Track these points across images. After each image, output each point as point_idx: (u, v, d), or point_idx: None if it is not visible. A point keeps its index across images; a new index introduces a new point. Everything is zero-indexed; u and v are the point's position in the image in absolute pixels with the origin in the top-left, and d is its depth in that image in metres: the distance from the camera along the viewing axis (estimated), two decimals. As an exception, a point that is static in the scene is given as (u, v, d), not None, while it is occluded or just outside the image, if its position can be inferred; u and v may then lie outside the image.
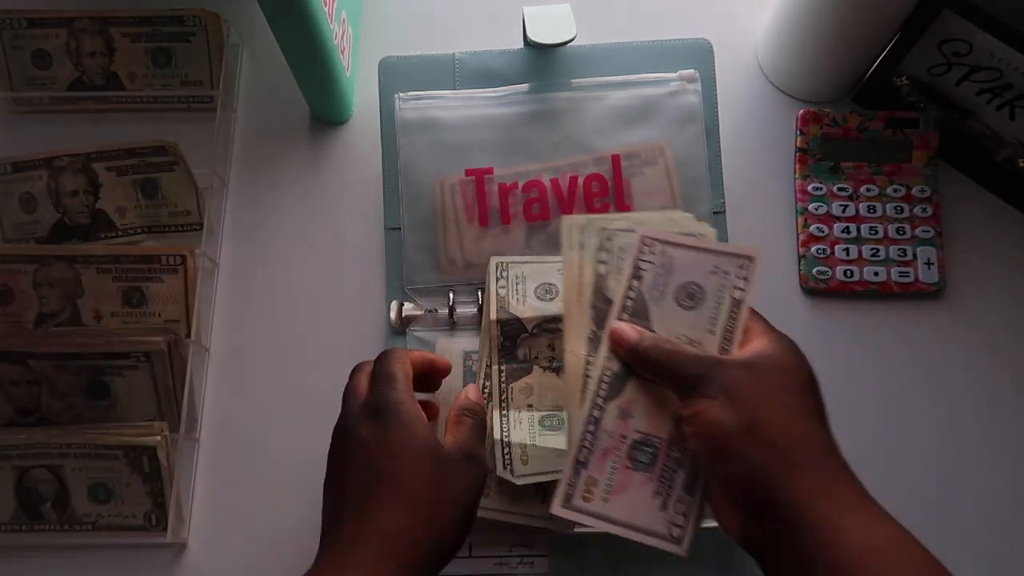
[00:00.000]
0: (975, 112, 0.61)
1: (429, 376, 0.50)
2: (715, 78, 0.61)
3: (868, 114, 0.63)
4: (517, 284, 0.54)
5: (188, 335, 0.59)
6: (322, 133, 0.67)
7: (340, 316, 0.62)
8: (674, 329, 0.44)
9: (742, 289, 0.44)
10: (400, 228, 0.60)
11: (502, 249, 0.59)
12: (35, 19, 0.65)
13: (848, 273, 0.61)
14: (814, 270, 0.61)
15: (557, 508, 0.43)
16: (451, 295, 0.58)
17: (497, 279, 0.54)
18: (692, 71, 0.60)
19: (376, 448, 0.43)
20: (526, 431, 0.51)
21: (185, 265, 0.60)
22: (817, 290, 0.61)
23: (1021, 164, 0.61)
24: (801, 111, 0.64)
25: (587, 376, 0.44)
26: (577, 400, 0.44)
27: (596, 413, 0.44)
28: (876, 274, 0.61)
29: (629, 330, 0.44)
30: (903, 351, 0.61)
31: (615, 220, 0.47)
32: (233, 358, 0.61)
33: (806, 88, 0.66)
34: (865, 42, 0.60)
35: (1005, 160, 0.62)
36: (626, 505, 0.43)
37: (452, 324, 0.58)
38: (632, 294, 0.45)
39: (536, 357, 0.53)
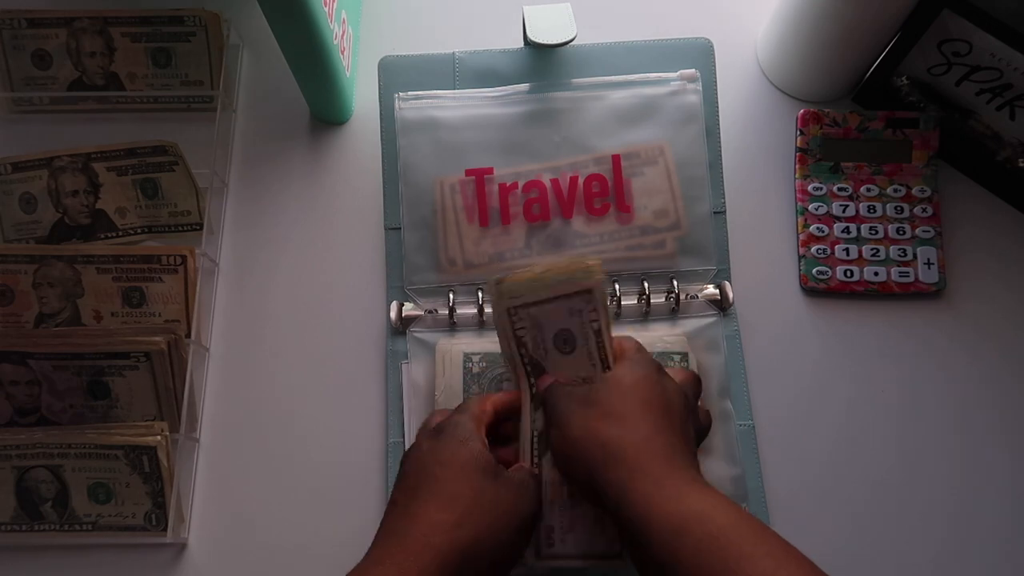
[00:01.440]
0: (975, 112, 0.61)
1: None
2: (715, 78, 0.61)
3: (868, 114, 0.63)
4: (535, 331, 0.50)
5: (188, 335, 0.59)
6: (322, 133, 0.67)
7: (340, 316, 0.62)
8: (568, 374, 0.49)
9: (596, 320, 0.49)
10: (400, 228, 0.60)
11: (502, 249, 0.59)
12: (35, 19, 0.65)
13: (848, 273, 0.61)
14: (814, 270, 0.61)
15: (531, 559, 0.48)
16: (451, 295, 0.58)
17: (513, 321, 0.50)
18: (692, 71, 0.60)
19: (429, 457, 0.46)
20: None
21: (185, 265, 0.60)
22: (817, 290, 0.61)
23: (1021, 164, 0.61)
24: (801, 111, 0.64)
25: (530, 445, 0.49)
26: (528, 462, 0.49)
27: (536, 470, 0.48)
28: (876, 274, 0.61)
29: (547, 379, 0.49)
30: (903, 351, 0.61)
31: (518, 286, 0.49)
32: (233, 358, 0.61)
33: (806, 88, 0.66)
34: (865, 42, 0.60)
35: (1005, 160, 0.62)
36: (581, 539, 0.48)
37: (452, 324, 0.58)
38: (526, 360, 0.50)
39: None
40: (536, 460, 0.49)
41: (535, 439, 0.49)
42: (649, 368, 0.47)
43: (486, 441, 0.47)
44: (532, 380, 0.50)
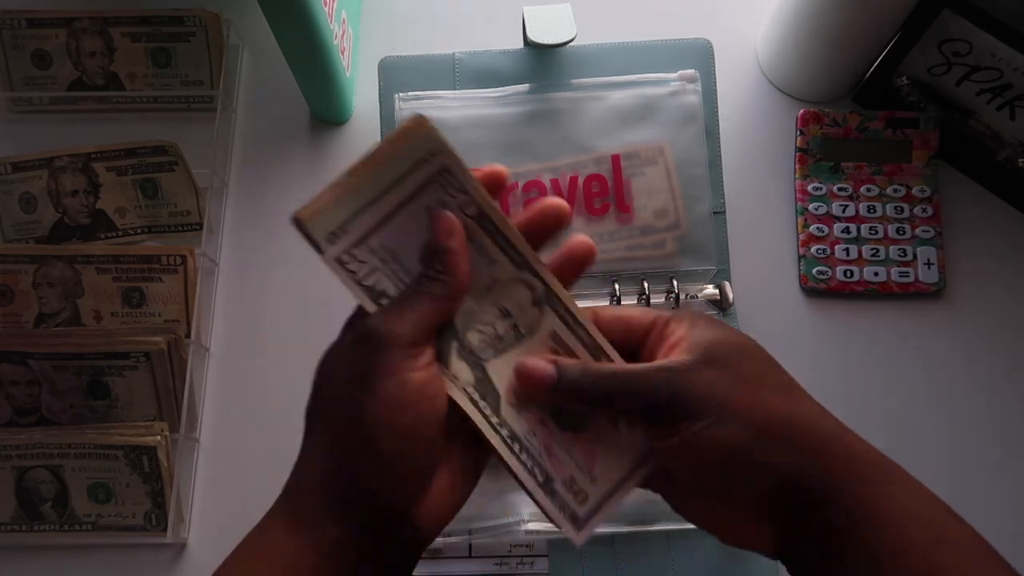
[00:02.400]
0: (975, 112, 0.61)
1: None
2: (715, 78, 0.61)
3: (868, 114, 0.63)
4: (390, 266, 0.36)
5: (188, 335, 0.59)
6: (322, 133, 0.67)
7: (340, 316, 0.61)
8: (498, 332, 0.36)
9: (468, 201, 0.35)
10: (400, 228, 0.60)
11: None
12: (35, 19, 0.65)
13: (848, 273, 0.61)
14: (814, 270, 0.61)
15: (581, 537, 0.36)
16: (451, 295, 0.58)
17: (353, 272, 0.36)
18: (692, 71, 0.60)
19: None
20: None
21: (185, 265, 0.60)
22: (817, 290, 0.61)
23: (1021, 164, 0.61)
24: (801, 111, 0.64)
25: (476, 407, 0.35)
26: (491, 441, 0.35)
27: (503, 431, 0.36)
28: (876, 274, 0.61)
29: (540, 365, 0.35)
30: (903, 351, 0.61)
31: (326, 213, 0.35)
32: (233, 358, 0.61)
33: (806, 88, 0.66)
34: (865, 42, 0.60)
35: (1005, 160, 0.62)
36: (612, 463, 0.37)
37: (452, 324, 0.58)
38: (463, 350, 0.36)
39: (499, 338, 0.37)
40: (494, 419, 0.35)
41: (475, 397, 0.35)
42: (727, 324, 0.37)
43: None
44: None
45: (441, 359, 0.35)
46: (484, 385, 0.36)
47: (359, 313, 0.37)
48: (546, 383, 0.34)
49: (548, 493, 0.36)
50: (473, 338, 0.36)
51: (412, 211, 0.35)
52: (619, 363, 0.36)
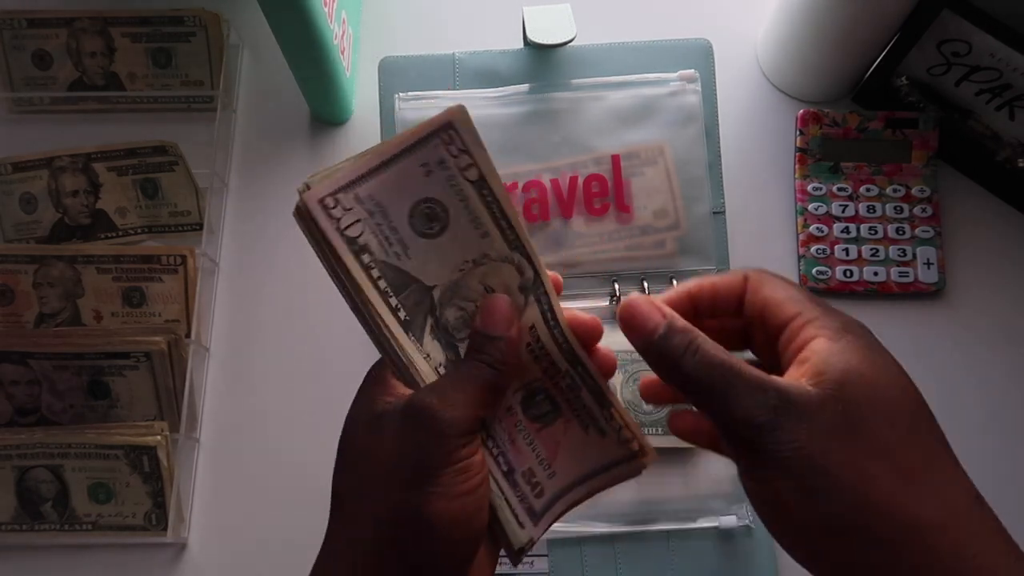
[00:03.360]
0: (975, 112, 0.61)
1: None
2: (715, 78, 0.61)
3: (868, 114, 0.63)
4: (379, 226, 0.33)
5: (188, 335, 0.59)
6: (322, 133, 0.67)
7: (341, 316, 0.61)
8: (449, 262, 0.33)
9: (471, 165, 0.32)
10: (400, 228, 0.60)
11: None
12: (35, 19, 0.65)
13: (848, 273, 0.61)
14: (814, 270, 0.61)
15: (536, 532, 0.35)
16: (451, 295, 0.58)
17: (334, 218, 0.32)
18: (692, 71, 0.60)
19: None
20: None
21: (185, 265, 0.60)
22: (817, 290, 0.61)
23: (1021, 164, 0.61)
24: (801, 111, 0.64)
25: (436, 369, 0.34)
26: None
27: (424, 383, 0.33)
28: (876, 274, 0.61)
29: (649, 310, 0.31)
30: (903, 351, 0.60)
31: (336, 175, 0.32)
32: (233, 358, 0.61)
33: (806, 88, 0.66)
34: (865, 42, 0.60)
35: (1005, 160, 0.62)
36: (573, 460, 0.35)
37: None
38: (376, 272, 0.32)
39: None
40: (439, 371, 0.33)
41: (438, 370, 0.33)
42: (886, 350, 0.30)
43: (376, 382, 0.34)
44: (395, 302, 0.33)
45: (413, 332, 0.33)
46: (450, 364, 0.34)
47: (380, 369, 0.35)
48: (648, 332, 0.30)
49: (511, 484, 0.34)
50: (450, 314, 0.34)
51: (406, 166, 0.32)
52: (601, 382, 0.34)
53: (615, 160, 0.59)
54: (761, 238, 0.63)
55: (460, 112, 0.32)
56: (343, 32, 0.62)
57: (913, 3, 0.55)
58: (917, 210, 0.62)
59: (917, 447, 0.28)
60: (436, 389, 0.32)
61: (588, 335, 0.35)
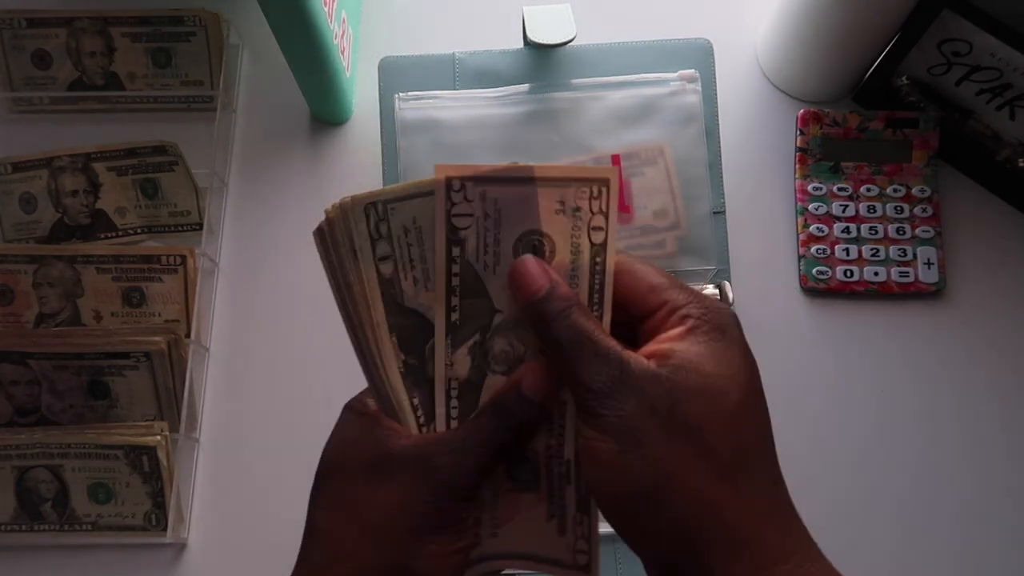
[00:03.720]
0: (975, 112, 0.61)
1: None
2: (715, 78, 0.61)
3: (868, 114, 0.63)
4: (410, 247, 0.32)
5: (188, 335, 0.59)
6: (322, 133, 0.67)
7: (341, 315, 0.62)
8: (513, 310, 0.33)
9: (601, 225, 0.32)
10: (400, 228, 0.60)
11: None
12: (35, 19, 0.65)
13: (848, 273, 0.61)
14: (814, 270, 0.61)
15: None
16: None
17: (373, 238, 0.32)
18: (692, 71, 0.60)
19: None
20: None
21: (185, 265, 0.60)
22: (817, 290, 0.61)
23: (1021, 164, 0.61)
24: (801, 111, 0.64)
25: (418, 417, 0.33)
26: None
27: (447, 429, 0.33)
28: (876, 274, 0.61)
29: (537, 272, 0.31)
30: (903, 351, 0.61)
31: (386, 191, 0.32)
32: (233, 358, 0.61)
33: (806, 88, 0.66)
34: (865, 42, 0.60)
35: (1005, 160, 0.62)
36: (520, 535, 0.34)
37: (452, 324, 0.58)
38: (456, 268, 0.32)
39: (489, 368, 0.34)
40: (453, 414, 0.33)
41: (451, 388, 0.33)
42: (745, 348, 0.31)
43: (378, 423, 0.33)
44: (456, 302, 0.33)
45: (454, 339, 0.32)
46: (469, 391, 0.33)
47: (365, 402, 0.34)
48: (531, 293, 0.31)
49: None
50: (498, 344, 0.33)
51: (545, 192, 0.31)
52: (606, 339, 0.32)
53: (615, 160, 0.59)
54: (761, 238, 0.63)
55: (615, 175, 0.32)
56: (343, 32, 0.62)
57: (913, 3, 0.55)
58: (917, 210, 0.62)
59: (732, 436, 0.29)
60: (453, 446, 0.31)
61: None
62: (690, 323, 0.31)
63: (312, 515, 0.33)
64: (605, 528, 0.32)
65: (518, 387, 0.32)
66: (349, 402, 0.35)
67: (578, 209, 0.32)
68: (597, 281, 0.33)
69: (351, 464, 0.32)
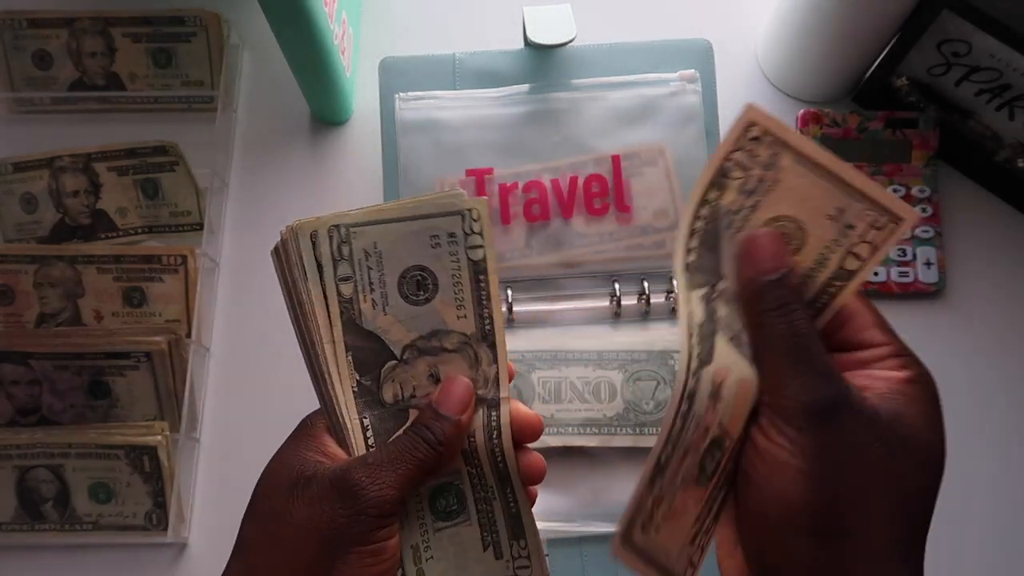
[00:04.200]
0: (975, 112, 0.61)
1: None
2: (715, 78, 0.61)
3: (868, 114, 0.63)
4: (369, 271, 0.34)
5: (188, 335, 0.59)
6: (322, 133, 0.67)
7: (340, 316, 0.62)
8: (416, 331, 0.34)
9: (481, 247, 0.33)
10: (400, 228, 0.60)
11: (502, 250, 0.59)
12: (36, 19, 0.65)
13: (848, 273, 0.61)
14: (814, 270, 0.61)
15: (618, 547, 0.33)
16: (451, 295, 0.58)
17: (335, 260, 0.33)
18: (692, 71, 0.60)
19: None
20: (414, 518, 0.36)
21: (185, 265, 0.60)
22: (817, 290, 0.61)
23: (1021, 164, 0.61)
24: (801, 111, 0.64)
25: (367, 437, 0.34)
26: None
27: (692, 384, 0.31)
28: (876, 274, 0.61)
29: (775, 252, 0.29)
30: (903, 351, 0.61)
31: (350, 214, 0.33)
32: (233, 358, 0.61)
33: (806, 88, 0.66)
34: (865, 42, 0.60)
35: (1005, 160, 0.62)
36: (452, 569, 0.35)
37: (452, 324, 0.58)
38: (344, 317, 0.33)
39: (413, 397, 0.35)
40: (368, 436, 0.34)
41: (695, 335, 0.32)
42: (943, 432, 0.31)
43: (311, 442, 0.34)
44: (359, 375, 0.34)
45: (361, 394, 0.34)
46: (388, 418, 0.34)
47: (315, 421, 0.35)
48: (762, 271, 0.29)
49: (651, 479, 0.33)
50: (387, 391, 0.34)
51: (419, 227, 0.33)
52: (524, 508, 0.35)
53: (615, 160, 0.59)
54: (761, 238, 0.63)
55: (484, 203, 0.33)
56: (343, 32, 0.62)
57: (913, 3, 0.55)
58: (917, 210, 0.62)
59: (903, 516, 0.28)
60: (368, 465, 0.32)
61: (529, 432, 0.35)
62: (912, 375, 0.29)
63: (242, 526, 0.34)
64: (607, 528, 0.32)
65: (434, 405, 0.33)
66: (305, 417, 0.36)
67: (452, 235, 0.33)
68: (484, 297, 0.33)
69: (278, 482, 0.33)
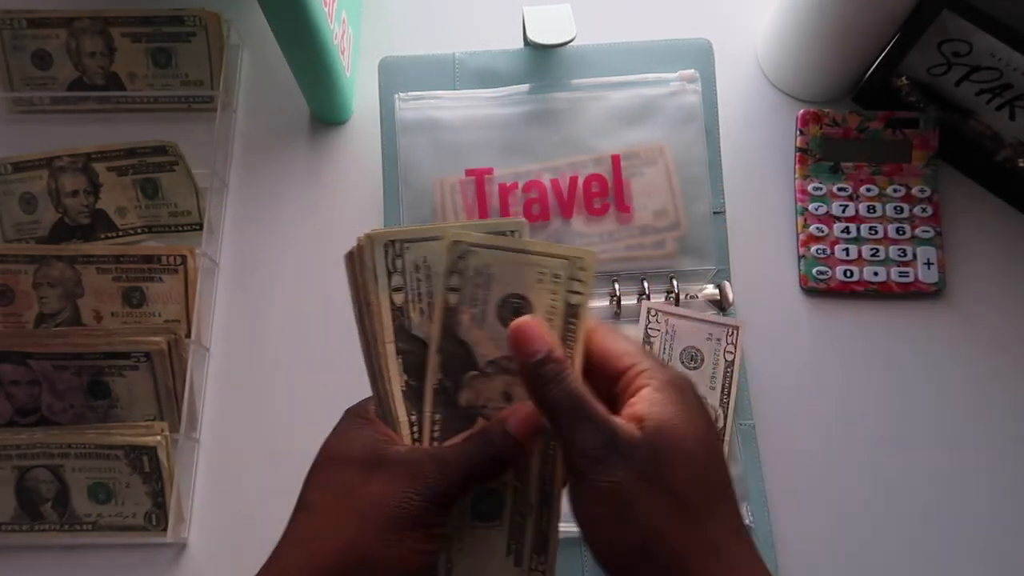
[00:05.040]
0: (975, 112, 0.61)
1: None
2: (715, 78, 0.61)
3: (868, 114, 0.63)
4: (419, 282, 0.37)
5: (188, 335, 0.59)
6: (322, 133, 0.67)
7: (340, 316, 0.61)
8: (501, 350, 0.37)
9: (579, 292, 0.36)
10: (400, 228, 0.60)
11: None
12: (35, 19, 0.65)
13: (848, 273, 0.61)
14: (814, 270, 0.61)
15: None
16: (451, 295, 0.58)
17: (389, 271, 0.37)
18: (692, 71, 0.60)
19: (318, 456, 0.38)
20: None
21: (185, 265, 0.60)
22: (817, 290, 0.61)
23: (1021, 164, 0.61)
24: (801, 111, 0.64)
25: (412, 432, 0.37)
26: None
27: (432, 442, 0.37)
28: (876, 274, 0.61)
29: (538, 335, 0.35)
30: (903, 351, 0.61)
31: (404, 231, 0.37)
32: (233, 358, 0.61)
33: (806, 88, 0.66)
34: (865, 42, 0.60)
35: (1005, 160, 0.62)
36: (479, 562, 0.38)
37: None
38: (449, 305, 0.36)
39: (484, 407, 0.37)
40: (435, 430, 0.37)
41: (433, 430, 0.37)
42: (703, 409, 0.35)
43: (377, 428, 0.37)
44: (408, 377, 0.37)
45: (418, 376, 0.37)
46: (453, 418, 0.37)
47: (365, 409, 0.38)
48: (528, 355, 0.34)
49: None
50: (464, 397, 0.37)
51: (531, 260, 0.36)
52: (553, 537, 0.38)
53: (615, 160, 0.59)
54: (761, 238, 0.63)
55: (593, 255, 0.36)
56: (343, 32, 0.62)
57: (913, 3, 0.55)
58: (917, 210, 0.62)
59: (703, 488, 0.33)
60: (440, 458, 0.35)
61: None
62: (656, 384, 0.35)
63: (304, 493, 0.36)
64: (574, 529, 0.34)
65: (504, 423, 0.36)
66: (351, 407, 0.38)
67: (557, 276, 0.36)
68: (570, 338, 0.37)
69: (349, 456, 0.36)
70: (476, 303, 0.36)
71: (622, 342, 0.37)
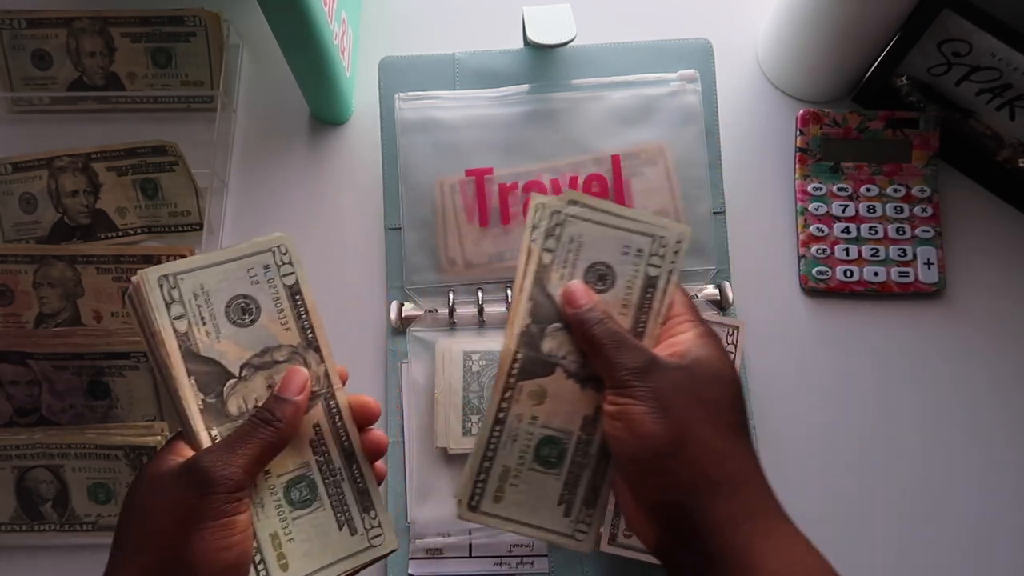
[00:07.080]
0: (975, 112, 0.61)
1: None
2: (715, 78, 0.61)
3: (868, 114, 0.63)
4: (199, 307, 0.40)
5: (188, 335, 0.59)
6: (322, 133, 0.67)
7: (340, 316, 0.62)
8: (251, 349, 0.41)
9: (657, 266, 0.42)
10: (400, 228, 0.60)
11: (502, 249, 0.59)
12: (35, 19, 0.65)
13: (848, 273, 0.61)
14: (814, 270, 0.61)
15: (464, 513, 0.42)
16: (451, 295, 0.58)
17: (168, 303, 0.40)
18: (692, 71, 0.60)
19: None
20: (273, 516, 0.41)
21: (185, 265, 0.60)
22: (817, 290, 0.61)
23: (1021, 164, 0.61)
24: (801, 111, 0.64)
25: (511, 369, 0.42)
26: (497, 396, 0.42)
27: (508, 395, 0.42)
28: (876, 274, 0.61)
29: (583, 293, 0.42)
30: (903, 351, 0.61)
31: (176, 264, 0.40)
32: (233, 358, 0.61)
33: (806, 88, 0.66)
34: (865, 42, 0.60)
35: (1005, 160, 0.62)
36: (529, 506, 0.42)
37: (452, 324, 0.58)
38: (184, 349, 0.40)
39: (255, 407, 0.41)
40: (512, 385, 0.43)
41: (513, 363, 0.43)
42: (728, 356, 0.42)
43: (176, 448, 0.39)
44: (531, 321, 0.42)
45: (209, 411, 0.40)
46: (527, 363, 0.42)
47: (177, 436, 0.41)
48: (577, 305, 0.41)
49: (482, 460, 0.43)
50: (232, 404, 0.40)
51: (235, 266, 0.41)
52: (371, 485, 0.42)
53: (615, 160, 0.59)
54: (761, 238, 0.63)
55: (289, 238, 0.42)
56: (343, 32, 0.62)
57: (913, 3, 0.55)
58: (917, 210, 0.62)
59: (732, 416, 0.39)
60: (213, 450, 0.38)
61: (368, 414, 0.43)
62: (699, 331, 0.41)
63: (113, 539, 0.39)
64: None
65: (274, 393, 0.40)
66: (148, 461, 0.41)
67: (267, 266, 0.41)
68: (303, 312, 0.42)
69: (141, 481, 0.39)
70: (566, 265, 0.42)
71: (679, 295, 0.43)
